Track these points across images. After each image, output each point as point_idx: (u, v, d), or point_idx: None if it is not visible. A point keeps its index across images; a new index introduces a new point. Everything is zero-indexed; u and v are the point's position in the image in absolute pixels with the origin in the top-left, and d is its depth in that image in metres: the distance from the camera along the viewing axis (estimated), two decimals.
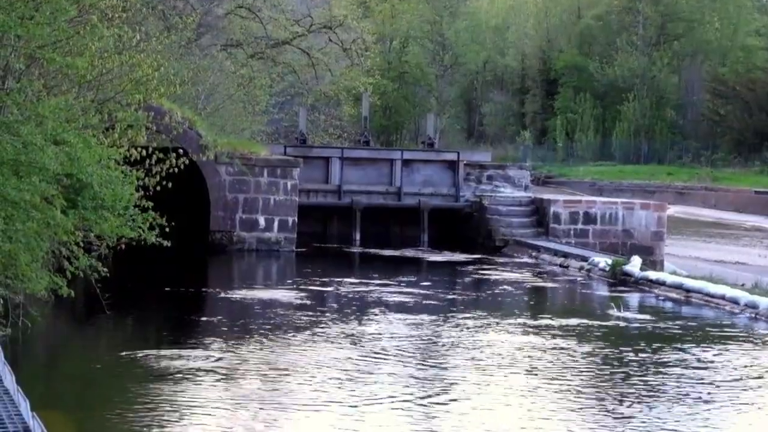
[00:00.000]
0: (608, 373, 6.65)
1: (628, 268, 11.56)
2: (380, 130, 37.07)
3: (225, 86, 17.35)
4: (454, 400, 5.84)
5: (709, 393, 6.20)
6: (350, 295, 9.86)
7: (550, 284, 11.62)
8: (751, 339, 8.18)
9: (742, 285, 10.55)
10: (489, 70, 44.27)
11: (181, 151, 9.72)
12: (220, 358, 6.65)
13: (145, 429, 5.09)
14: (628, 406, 5.80)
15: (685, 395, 6.07)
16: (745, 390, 6.34)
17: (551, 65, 41.36)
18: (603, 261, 12.16)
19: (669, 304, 10.09)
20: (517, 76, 43.67)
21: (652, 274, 11.26)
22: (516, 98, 43.36)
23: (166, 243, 7.56)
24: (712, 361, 7.12)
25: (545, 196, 16.24)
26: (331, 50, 21.20)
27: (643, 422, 5.48)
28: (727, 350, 7.59)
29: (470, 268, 12.77)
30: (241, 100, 18.14)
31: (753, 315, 9.19)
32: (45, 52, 7.08)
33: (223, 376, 6.18)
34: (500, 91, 43.74)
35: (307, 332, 7.68)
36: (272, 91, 21.68)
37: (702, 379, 6.57)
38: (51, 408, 5.04)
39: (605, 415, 5.64)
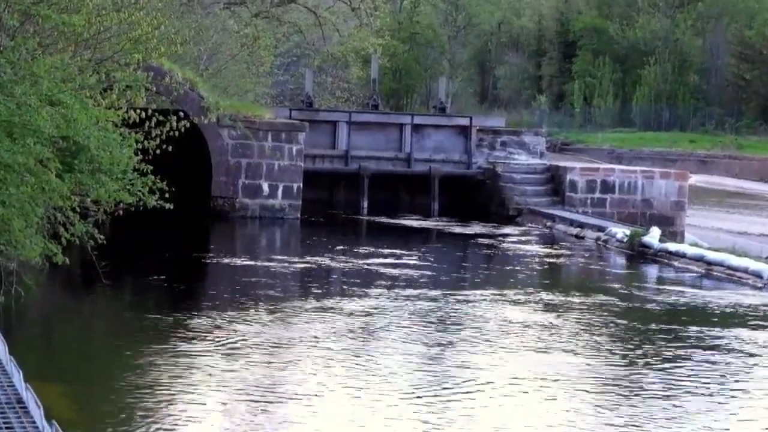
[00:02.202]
0: (627, 357, 6.24)
1: (646, 239, 11.15)
2: (390, 93, 36.35)
3: (228, 46, 16.87)
4: (464, 381, 5.49)
5: (738, 382, 5.76)
6: (356, 267, 9.54)
7: (564, 256, 11.22)
8: None
9: (766, 258, 10.16)
10: (504, 31, 43.29)
11: (181, 113, 9.35)
12: (219, 331, 6.41)
13: (141, 402, 4.88)
14: (649, 398, 5.39)
15: (714, 390, 5.60)
16: None
17: (569, 27, 40.31)
18: (621, 231, 11.76)
19: (689, 278, 9.68)
20: (533, 37, 42.66)
21: (672, 246, 10.87)
22: (532, 61, 42.45)
23: (168, 206, 7.21)
24: (739, 344, 6.67)
25: (561, 164, 15.88)
26: (339, 9, 20.52)
27: (666, 415, 5.05)
28: (755, 330, 7.12)
29: (482, 238, 12.41)
30: (244, 61, 17.65)
31: None
32: (40, 8, 6.84)
33: (223, 349, 5.97)
34: (515, 53, 42.80)
35: (311, 306, 7.41)
36: (277, 51, 21.14)
37: (730, 363, 6.13)
38: (45, 379, 4.86)
39: (624, 407, 5.22)
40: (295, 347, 6.05)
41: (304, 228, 12.97)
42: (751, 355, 6.38)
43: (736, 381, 5.74)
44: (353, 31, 21.10)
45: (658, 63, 36.10)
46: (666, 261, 10.58)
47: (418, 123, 15.72)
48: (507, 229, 13.20)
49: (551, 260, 10.86)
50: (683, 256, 10.46)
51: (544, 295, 8.23)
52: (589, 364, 5.92)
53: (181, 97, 12.34)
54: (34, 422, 3.48)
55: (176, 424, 4.60)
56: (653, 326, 7.12)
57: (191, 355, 5.75)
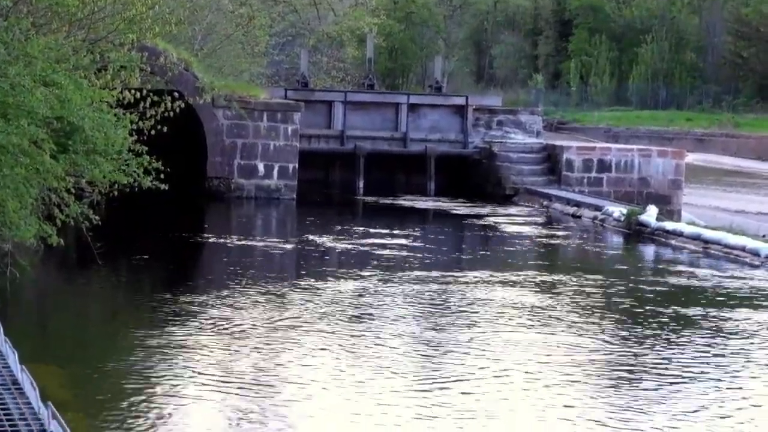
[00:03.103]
0: (627, 337, 6.22)
1: (643, 218, 11.14)
2: (385, 73, 36.05)
3: (223, 26, 16.69)
4: (461, 365, 5.45)
5: (736, 362, 5.75)
6: (352, 248, 9.50)
7: (561, 235, 11.20)
8: None
9: (763, 236, 10.18)
10: (500, 10, 42.90)
11: (176, 93, 9.22)
12: (214, 313, 6.38)
13: (136, 383, 4.86)
14: (650, 379, 5.37)
15: (713, 371, 5.56)
16: None
17: (565, 5, 39.99)
18: (617, 210, 11.75)
19: (686, 257, 9.67)
20: (529, 16, 42.30)
21: (669, 225, 10.85)
22: (528, 40, 42.15)
23: (163, 186, 7.19)
24: (737, 323, 6.65)
25: (558, 143, 15.85)
26: None
27: (668, 407, 5.00)
28: (754, 309, 7.12)
29: (479, 218, 12.38)
30: (239, 41, 17.47)
31: None
32: None
33: (217, 331, 5.93)
34: (511, 32, 42.47)
35: (305, 287, 7.38)
36: (272, 31, 20.90)
37: (728, 343, 6.11)
38: (40, 361, 4.83)
39: (624, 388, 5.21)
40: (289, 329, 6.01)
41: (300, 208, 12.90)
42: (749, 334, 6.36)
43: (734, 362, 5.73)
44: (349, 10, 20.86)
45: (654, 41, 35.86)
46: (663, 240, 10.57)
47: (414, 102, 15.62)
48: (504, 209, 13.16)
49: (548, 240, 10.83)
50: (680, 234, 10.45)
51: (542, 276, 8.20)
52: (588, 346, 5.89)
53: (176, 77, 12.19)
54: (29, 403, 3.48)
55: (170, 406, 4.58)
56: (652, 306, 7.10)
57: (186, 336, 5.73)
